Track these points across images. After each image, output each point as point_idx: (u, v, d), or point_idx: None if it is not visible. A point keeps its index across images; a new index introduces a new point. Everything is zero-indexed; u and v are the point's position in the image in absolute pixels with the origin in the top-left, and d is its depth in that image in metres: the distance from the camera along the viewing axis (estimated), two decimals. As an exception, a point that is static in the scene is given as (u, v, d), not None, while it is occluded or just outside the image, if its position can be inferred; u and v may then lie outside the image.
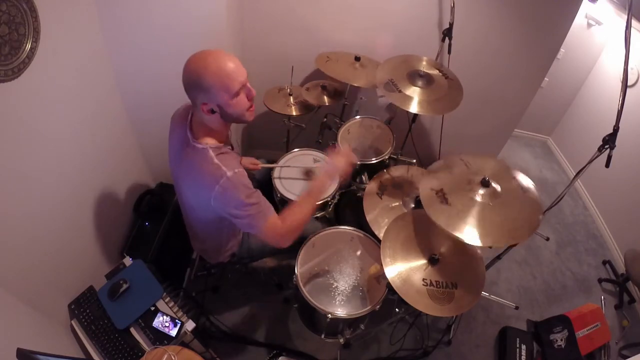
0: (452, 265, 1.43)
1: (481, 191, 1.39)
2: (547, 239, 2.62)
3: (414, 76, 1.81)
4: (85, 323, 1.47)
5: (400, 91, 1.75)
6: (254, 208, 1.21)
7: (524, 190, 1.42)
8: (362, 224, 1.72)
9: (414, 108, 1.70)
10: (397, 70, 1.84)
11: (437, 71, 1.87)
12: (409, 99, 1.73)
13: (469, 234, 1.29)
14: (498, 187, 1.41)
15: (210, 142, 1.21)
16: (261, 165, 1.82)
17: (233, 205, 1.19)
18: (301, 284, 1.48)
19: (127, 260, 1.61)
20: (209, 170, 1.17)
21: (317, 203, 1.34)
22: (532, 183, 1.44)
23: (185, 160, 1.24)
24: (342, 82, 1.95)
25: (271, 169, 1.87)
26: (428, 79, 1.81)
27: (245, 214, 1.20)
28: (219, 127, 1.23)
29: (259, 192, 1.24)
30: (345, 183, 1.38)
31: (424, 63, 1.91)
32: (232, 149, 1.33)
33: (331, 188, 1.75)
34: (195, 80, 1.09)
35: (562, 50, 2.62)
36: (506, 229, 1.31)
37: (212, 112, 1.15)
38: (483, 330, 2.18)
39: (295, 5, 2.01)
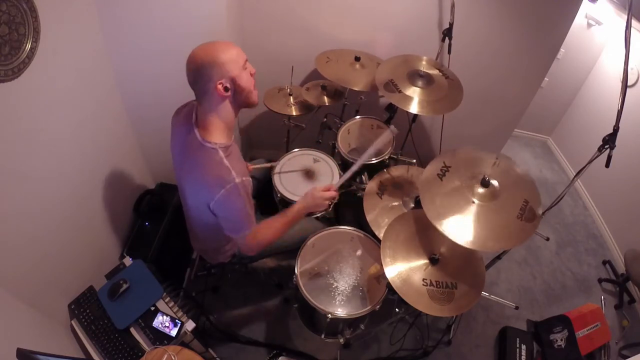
0: (452, 265, 1.43)
1: (480, 190, 1.40)
2: (547, 239, 2.61)
3: (414, 76, 1.81)
4: (85, 323, 1.47)
5: (400, 92, 1.75)
6: (246, 218, 1.27)
7: (522, 217, 1.34)
8: (362, 224, 1.72)
9: (414, 108, 1.70)
10: (397, 70, 1.84)
11: (437, 71, 1.87)
12: (409, 99, 1.73)
13: (433, 210, 1.35)
14: (496, 192, 1.41)
15: (219, 140, 1.21)
16: (252, 166, 1.82)
17: (230, 210, 1.23)
18: (301, 284, 1.48)
19: (127, 260, 1.61)
20: (217, 171, 1.18)
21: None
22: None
23: (190, 158, 1.24)
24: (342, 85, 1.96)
25: (271, 169, 1.87)
26: (428, 79, 1.81)
27: (236, 220, 1.26)
28: (229, 115, 1.23)
29: (252, 203, 1.29)
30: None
31: (424, 63, 1.92)
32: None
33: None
34: (210, 58, 1.12)
35: (562, 50, 2.62)
36: (475, 231, 1.31)
37: (227, 90, 1.16)
38: (483, 330, 2.18)
39: (295, 5, 2.01)
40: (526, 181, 1.46)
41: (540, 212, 1.37)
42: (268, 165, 1.87)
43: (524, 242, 1.36)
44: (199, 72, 1.13)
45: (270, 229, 1.40)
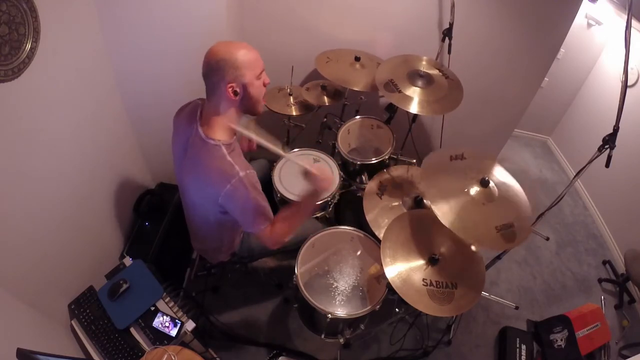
0: (452, 265, 1.43)
1: (476, 187, 1.43)
2: (547, 239, 2.62)
3: (414, 76, 1.81)
4: (85, 323, 1.47)
5: (400, 91, 1.75)
6: (259, 209, 1.26)
7: (500, 230, 1.36)
8: (362, 224, 1.72)
9: (414, 108, 1.70)
10: (397, 70, 1.84)
11: (437, 71, 1.87)
12: (409, 99, 1.73)
13: (435, 194, 1.41)
14: (492, 197, 1.43)
15: (222, 137, 1.22)
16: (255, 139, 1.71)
17: (240, 204, 1.23)
18: (301, 284, 1.48)
19: (127, 260, 1.61)
20: (221, 167, 1.18)
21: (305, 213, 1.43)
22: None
23: (193, 156, 1.25)
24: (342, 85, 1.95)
25: (271, 170, 1.87)
26: (428, 79, 1.80)
27: (250, 214, 1.25)
28: (233, 117, 1.23)
29: (264, 195, 1.28)
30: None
31: (424, 63, 1.91)
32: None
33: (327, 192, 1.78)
34: (227, 58, 1.12)
35: (562, 50, 2.61)
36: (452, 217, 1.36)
37: (235, 94, 1.17)
38: (483, 330, 2.18)
39: (295, 5, 2.01)
40: (528, 211, 1.44)
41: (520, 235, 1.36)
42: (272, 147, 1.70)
43: (489, 247, 1.43)
44: (215, 67, 1.13)
45: (286, 220, 1.35)
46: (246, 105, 1.23)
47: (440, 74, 1.86)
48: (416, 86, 1.77)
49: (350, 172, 1.98)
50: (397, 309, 1.58)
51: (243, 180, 1.18)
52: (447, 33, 2.01)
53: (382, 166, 1.93)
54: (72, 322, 1.48)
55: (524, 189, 1.51)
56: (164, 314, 1.46)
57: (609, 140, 1.40)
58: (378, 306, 1.47)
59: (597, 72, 3.02)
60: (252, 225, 1.29)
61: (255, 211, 1.26)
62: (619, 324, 2.32)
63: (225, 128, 1.23)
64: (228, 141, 1.23)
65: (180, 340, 1.46)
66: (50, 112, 1.32)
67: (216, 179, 1.19)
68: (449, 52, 2.06)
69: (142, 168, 2.11)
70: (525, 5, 1.97)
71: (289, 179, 1.83)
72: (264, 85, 1.24)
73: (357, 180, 1.98)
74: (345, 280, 1.65)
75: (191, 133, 1.25)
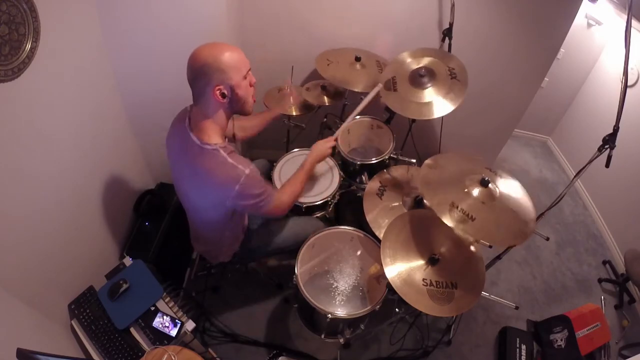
0: (452, 265, 1.43)
1: (477, 190, 1.41)
2: (547, 239, 2.61)
3: (414, 77, 1.80)
4: (85, 323, 1.47)
5: (396, 90, 1.74)
6: (265, 196, 1.30)
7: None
8: (362, 224, 1.72)
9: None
10: (399, 71, 1.84)
11: (445, 67, 1.80)
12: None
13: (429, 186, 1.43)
14: (489, 194, 1.41)
15: (217, 140, 1.22)
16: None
17: (249, 198, 1.26)
18: (301, 284, 1.48)
19: (127, 260, 1.61)
20: (225, 171, 1.19)
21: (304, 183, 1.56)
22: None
23: (192, 163, 1.23)
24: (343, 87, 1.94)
25: (271, 169, 1.87)
26: (430, 74, 1.77)
27: (258, 203, 1.29)
28: (222, 120, 1.24)
29: (264, 180, 1.32)
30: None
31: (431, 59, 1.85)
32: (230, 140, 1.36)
33: (330, 187, 1.79)
34: (211, 61, 1.11)
35: (562, 50, 2.61)
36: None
37: (223, 96, 1.16)
38: (483, 330, 2.18)
39: (295, 5, 2.01)
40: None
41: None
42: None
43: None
44: (199, 72, 1.12)
45: (291, 189, 1.48)
46: (235, 107, 1.23)
47: (448, 73, 1.80)
48: (420, 89, 1.75)
49: (350, 172, 1.98)
50: (397, 309, 1.58)
51: (250, 177, 1.20)
52: (447, 33, 2.01)
53: (382, 166, 1.93)
54: (72, 322, 1.48)
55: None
56: (164, 314, 1.46)
57: (609, 140, 1.40)
58: (378, 306, 1.47)
59: (597, 72, 3.02)
60: (263, 210, 1.33)
61: (263, 199, 1.29)
62: (619, 324, 2.32)
63: (217, 131, 1.23)
64: (223, 143, 1.23)
65: (180, 340, 1.46)
66: (50, 112, 1.32)
67: (223, 183, 1.19)
68: (449, 52, 2.06)
69: (142, 168, 2.11)
70: (525, 5, 1.97)
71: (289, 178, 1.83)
72: (251, 85, 1.23)
73: (357, 180, 1.98)
74: (345, 280, 1.65)
75: (184, 139, 1.24)
